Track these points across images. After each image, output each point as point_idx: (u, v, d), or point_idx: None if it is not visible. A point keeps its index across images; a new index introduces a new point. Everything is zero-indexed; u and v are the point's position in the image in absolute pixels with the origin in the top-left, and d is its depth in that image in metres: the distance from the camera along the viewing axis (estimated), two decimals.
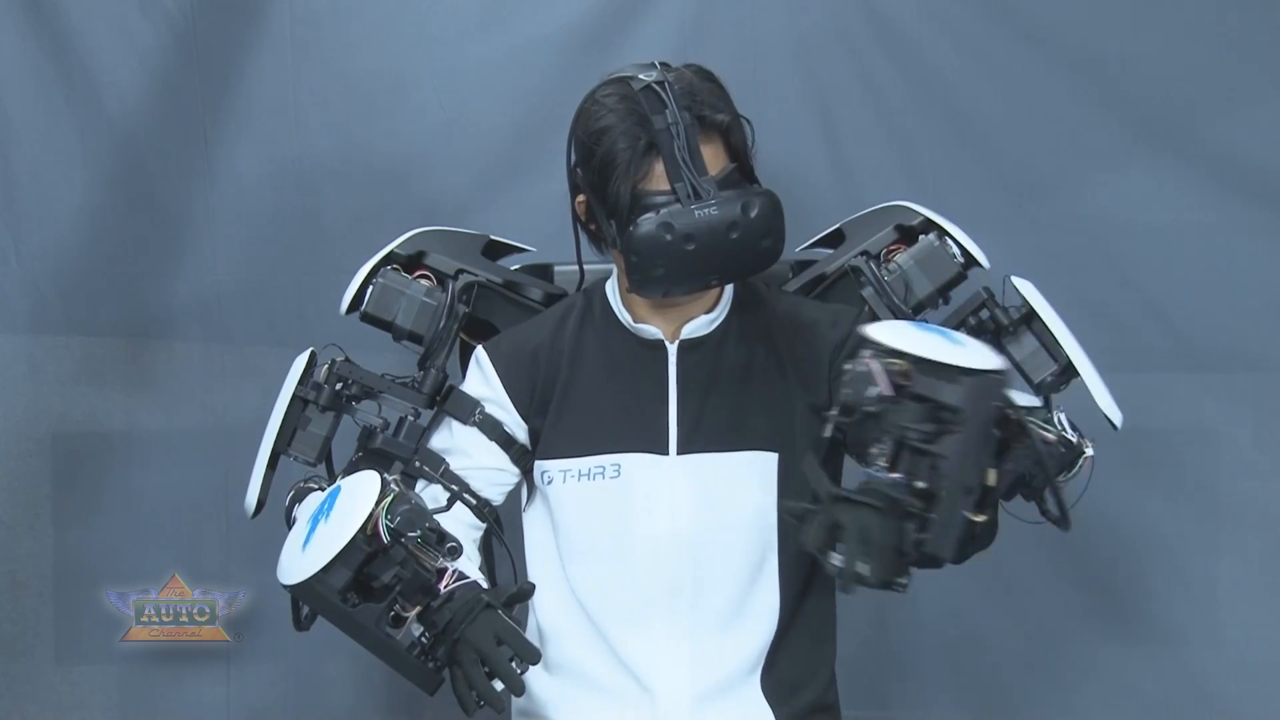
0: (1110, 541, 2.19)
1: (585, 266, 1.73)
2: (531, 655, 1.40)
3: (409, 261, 1.76)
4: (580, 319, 1.71)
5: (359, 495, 1.38)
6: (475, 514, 1.67)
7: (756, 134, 1.61)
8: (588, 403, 1.67)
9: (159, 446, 2.32)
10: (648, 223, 1.49)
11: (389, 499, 1.36)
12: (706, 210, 1.49)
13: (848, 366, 1.30)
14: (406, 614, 1.38)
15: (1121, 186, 2.15)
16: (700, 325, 1.67)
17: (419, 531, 1.36)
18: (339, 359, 1.70)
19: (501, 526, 1.73)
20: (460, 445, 1.69)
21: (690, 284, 1.57)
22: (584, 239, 1.68)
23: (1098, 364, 2.15)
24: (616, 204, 1.54)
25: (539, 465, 1.68)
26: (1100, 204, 2.16)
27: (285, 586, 1.38)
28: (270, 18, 2.24)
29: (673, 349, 1.66)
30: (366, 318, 1.72)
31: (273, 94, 2.25)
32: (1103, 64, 2.14)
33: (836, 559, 1.25)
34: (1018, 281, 1.62)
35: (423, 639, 1.40)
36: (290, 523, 1.59)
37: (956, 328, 1.65)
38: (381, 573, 1.36)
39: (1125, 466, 2.17)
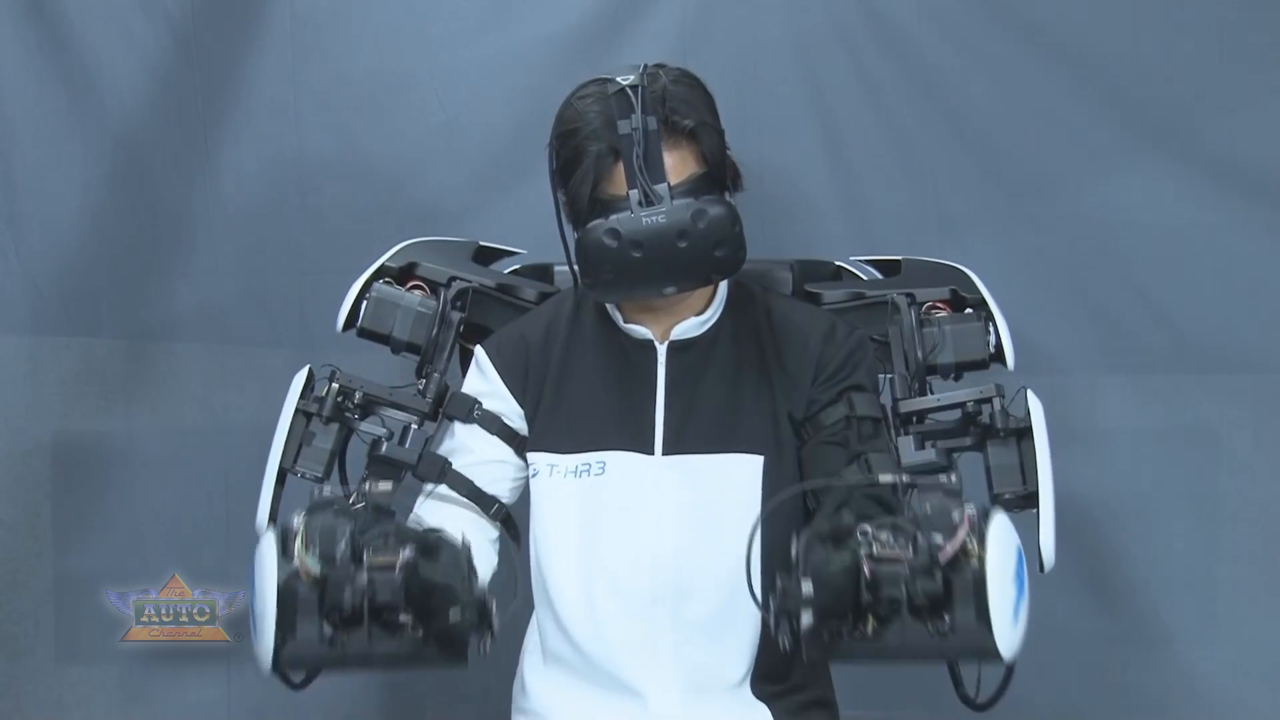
0: (1110, 541, 2.19)
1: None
2: (461, 591, 1.29)
3: (401, 274, 1.78)
4: (573, 315, 1.72)
5: (265, 560, 1.29)
6: (485, 514, 1.66)
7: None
8: (577, 399, 1.68)
9: (159, 446, 2.32)
10: (596, 229, 1.52)
11: (298, 537, 1.27)
12: (654, 218, 1.50)
13: (960, 506, 1.26)
14: (406, 618, 1.29)
15: (1121, 186, 2.15)
16: (690, 327, 1.67)
17: (344, 544, 1.27)
18: (338, 371, 1.70)
19: (517, 528, 1.72)
20: (462, 443, 1.69)
21: (641, 291, 1.59)
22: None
23: (1098, 364, 2.17)
24: (576, 206, 1.56)
25: (528, 457, 1.68)
26: (1100, 204, 2.16)
27: (269, 675, 1.30)
28: (270, 18, 2.24)
29: (662, 349, 1.67)
30: (363, 333, 1.74)
31: (273, 94, 2.25)
32: (1103, 64, 2.14)
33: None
34: (1032, 397, 1.61)
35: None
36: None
37: (952, 406, 1.64)
38: (340, 599, 1.26)
39: (1126, 466, 2.17)
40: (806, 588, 1.23)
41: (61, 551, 2.32)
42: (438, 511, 1.63)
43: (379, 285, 1.76)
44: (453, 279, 1.78)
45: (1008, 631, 1.22)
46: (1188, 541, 2.18)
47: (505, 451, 1.69)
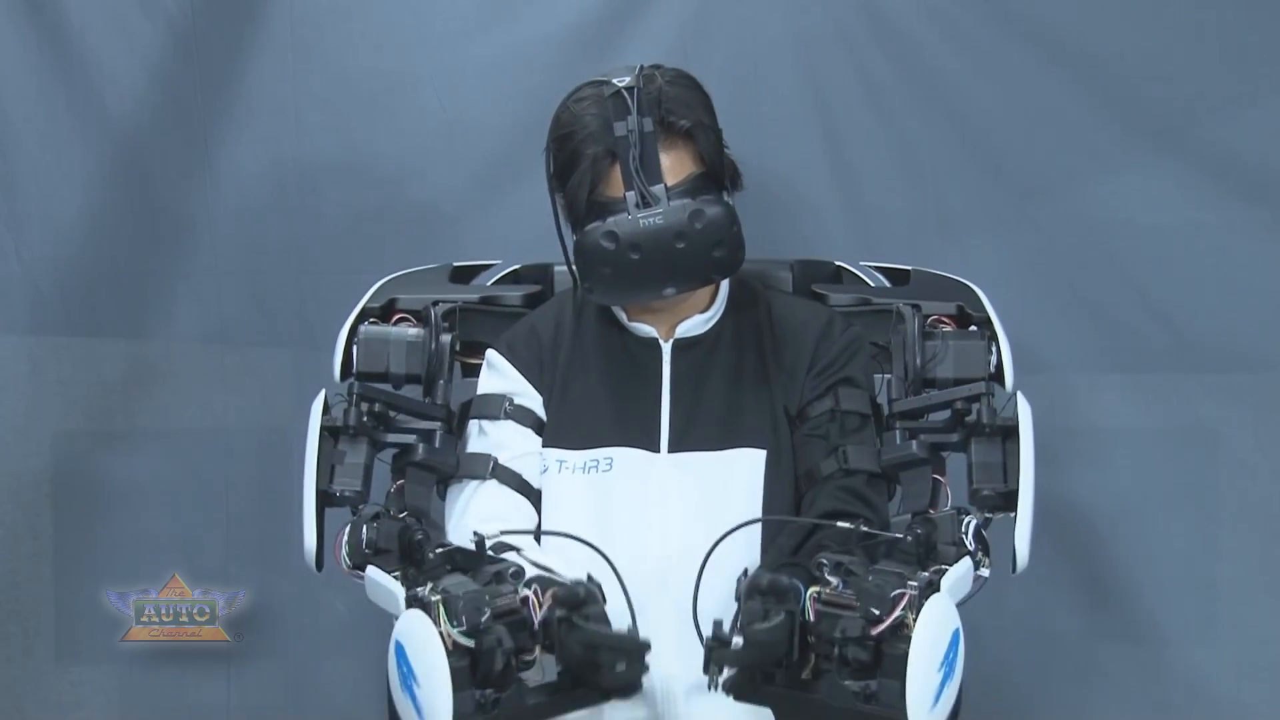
0: (1110, 541, 2.19)
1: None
2: (626, 645, 1.36)
3: (383, 311, 1.78)
4: (578, 313, 1.73)
5: (421, 637, 1.30)
6: (535, 507, 1.67)
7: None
8: (584, 396, 1.68)
9: (159, 446, 2.32)
10: (594, 231, 1.53)
11: (442, 613, 1.30)
12: (651, 219, 1.51)
13: (905, 590, 1.29)
14: (531, 657, 1.34)
15: (1121, 186, 2.15)
16: (694, 325, 1.68)
17: (488, 612, 1.30)
18: (354, 385, 1.68)
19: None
20: (498, 440, 1.68)
21: (641, 293, 1.60)
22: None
23: (1098, 364, 2.17)
24: (574, 210, 1.57)
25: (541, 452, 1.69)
26: (1100, 204, 2.16)
27: None
28: (270, 18, 2.24)
29: (667, 348, 1.68)
30: (362, 376, 1.72)
31: (273, 94, 2.25)
32: (1103, 64, 2.14)
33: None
34: (1021, 400, 1.60)
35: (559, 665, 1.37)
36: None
37: (943, 405, 1.64)
38: (491, 666, 1.30)
39: (1125, 466, 2.17)
40: (736, 642, 1.29)
41: (61, 551, 2.32)
42: (488, 506, 1.64)
43: (365, 327, 1.74)
44: (436, 302, 1.78)
45: (924, 713, 1.24)
46: (1188, 541, 2.18)
47: (539, 444, 1.69)
